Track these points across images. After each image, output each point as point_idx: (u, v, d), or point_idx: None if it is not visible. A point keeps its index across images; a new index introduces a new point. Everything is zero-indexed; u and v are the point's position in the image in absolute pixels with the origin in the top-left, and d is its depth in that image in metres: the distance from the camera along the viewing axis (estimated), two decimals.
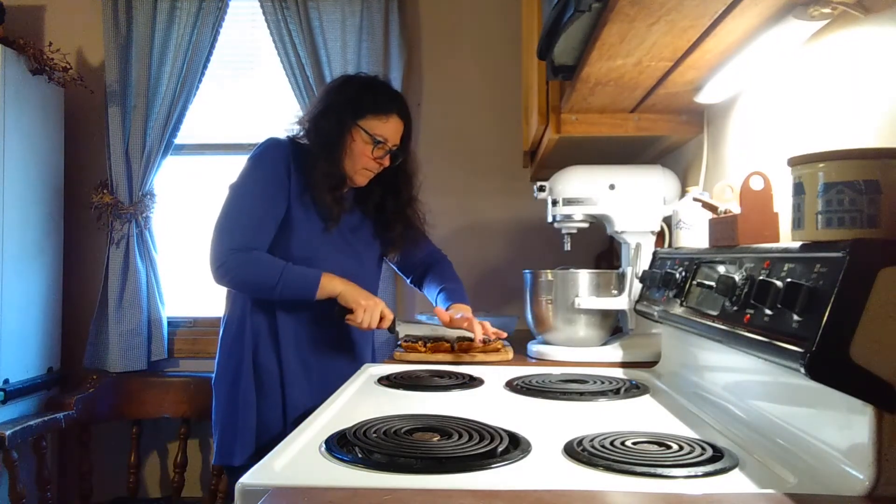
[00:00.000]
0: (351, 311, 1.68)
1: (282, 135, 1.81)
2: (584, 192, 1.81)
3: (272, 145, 1.76)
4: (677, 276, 1.29)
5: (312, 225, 1.75)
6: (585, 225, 1.87)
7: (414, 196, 1.90)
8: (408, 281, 2.07)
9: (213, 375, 1.79)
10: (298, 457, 0.93)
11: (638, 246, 1.79)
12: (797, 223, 0.88)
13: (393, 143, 1.77)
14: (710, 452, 0.91)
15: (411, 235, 1.91)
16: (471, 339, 1.79)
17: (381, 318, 1.69)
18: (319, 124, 1.75)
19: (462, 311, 1.81)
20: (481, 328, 1.75)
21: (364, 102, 1.75)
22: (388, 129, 1.75)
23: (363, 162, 1.75)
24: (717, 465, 0.86)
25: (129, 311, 2.69)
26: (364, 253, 1.86)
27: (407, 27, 2.79)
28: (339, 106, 1.74)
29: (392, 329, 1.73)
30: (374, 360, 2.04)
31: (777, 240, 1.15)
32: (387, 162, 1.79)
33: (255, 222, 1.70)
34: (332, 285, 1.68)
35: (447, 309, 1.83)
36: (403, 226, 1.88)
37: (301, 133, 1.80)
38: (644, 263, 1.72)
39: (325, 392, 1.39)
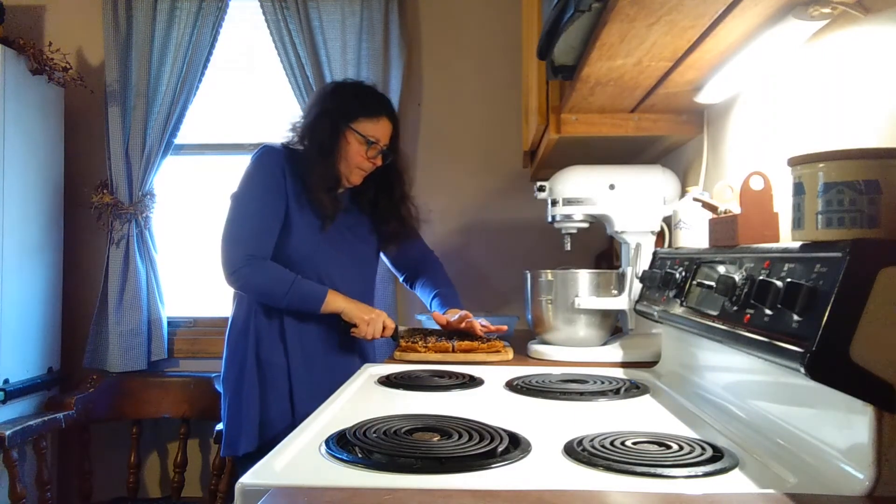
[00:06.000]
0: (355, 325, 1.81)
1: (276, 142, 1.91)
2: (583, 192, 1.81)
3: (266, 152, 1.86)
4: (677, 276, 1.29)
5: (310, 225, 1.83)
6: (585, 225, 1.87)
7: (406, 193, 2.00)
8: (400, 278, 2.16)
9: (221, 374, 1.89)
10: (298, 457, 0.93)
11: (638, 246, 1.79)
12: (797, 223, 0.88)
13: (384, 143, 1.88)
14: (710, 452, 0.91)
15: (405, 232, 2.00)
16: (471, 339, 1.82)
17: (384, 328, 1.81)
18: (314, 129, 1.85)
19: (458, 313, 1.88)
20: (479, 326, 1.83)
21: (356, 106, 1.85)
22: (379, 129, 1.86)
23: (357, 161, 1.85)
24: (717, 465, 0.86)
25: (129, 311, 2.69)
26: (361, 250, 1.95)
27: (407, 27, 2.79)
28: (333, 111, 1.85)
29: (395, 337, 1.85)
30: (374, 359, 2.05)
31: (777, 240, 1.14)
32: (379, 161, 1.88)
33: (261, 226, 1.80)
34: (335, 303, 1.79)
35: (444, 313, 1.91)
36: (398, 222, 1.98)
37: (295, 139, 1.89)
38: (644, 263, 1.72)
39: (330, 384, 1.45)
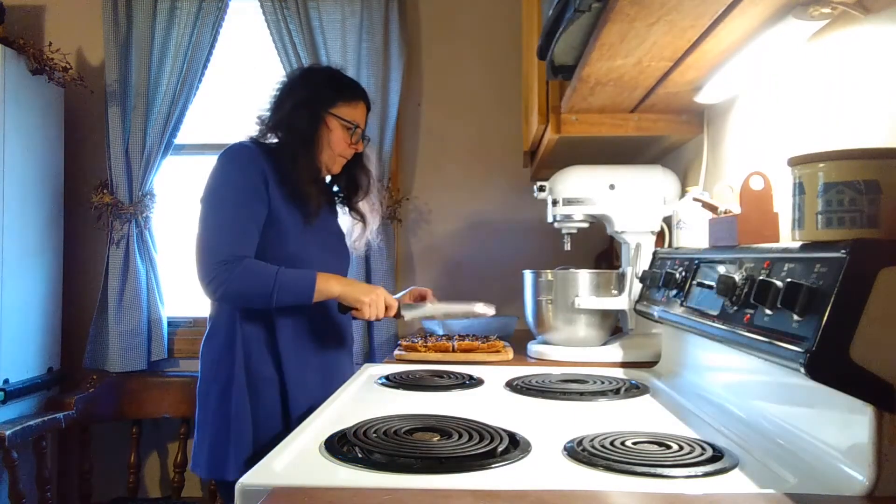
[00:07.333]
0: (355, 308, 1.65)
1: (243, 139, 1.76)
2: (584, 192, 1.81)
3: (239, 150, 1.70)
4: (677, 276, 1.29)
5: (295, 222, 1.70)
6: (585, 225, 1.87)
7: (377, 178, 1.94)
8: None
9: (199, 383, 1.69)
10: (298, 457, 0.93)
11: (638, 246, 1.80)
12: (797, 223, 0.88)
13: (362, 128, 1.80)
14: (710, 452, 0.91)
15: (366, 225, 1.92)
16: (471, 339, 1.82)
17: (387, 308, 1.66)
18: (291, 120, 1.72)
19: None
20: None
21: (333, 92, 1.76)
22: (358, 113, 1.78)
23: (341, 148, 1.76)
24: (717, 465, 0.86)
25: (129, 311, 2.69)
26: (339, 246, 1.88)
27: (407, 27, 2.79)
28: (310, 99, 1.73)
29: (398, 315, 1.73)
30: (372, 360, 2.05)
31: (777, 240, 1.15)
32: (360, 147, 1.80)
33: (238, 230, 1.62)
34: (328, 288, 1.62)
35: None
36: (368, 210, 1.90)
37: (263, 133, 1.76)
38: (644, 263, 1.72)
39: (325, 396, 1.37)
